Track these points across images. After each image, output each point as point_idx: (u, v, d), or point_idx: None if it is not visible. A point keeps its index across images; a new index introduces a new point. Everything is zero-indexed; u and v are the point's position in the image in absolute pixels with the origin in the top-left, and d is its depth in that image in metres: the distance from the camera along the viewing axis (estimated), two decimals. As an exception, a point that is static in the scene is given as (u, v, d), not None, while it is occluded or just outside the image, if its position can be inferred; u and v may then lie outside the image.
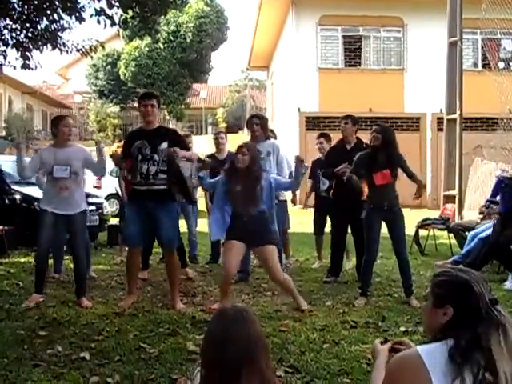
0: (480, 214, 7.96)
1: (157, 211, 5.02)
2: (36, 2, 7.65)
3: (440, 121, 14.64)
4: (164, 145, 4.98)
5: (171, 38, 28.69)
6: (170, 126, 30.68)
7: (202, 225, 8.08)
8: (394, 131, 5.66)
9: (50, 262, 5.88)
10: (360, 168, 5.40)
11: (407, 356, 1.72)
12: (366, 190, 6.01)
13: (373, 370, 1.99)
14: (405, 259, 5.47)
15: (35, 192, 8.62)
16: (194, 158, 5.25)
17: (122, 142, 5.66)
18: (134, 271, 5.33)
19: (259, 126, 6.09)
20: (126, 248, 8.01)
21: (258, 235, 4.78)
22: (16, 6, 7.86)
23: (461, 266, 1.85)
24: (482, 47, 17.29)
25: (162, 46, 28.82)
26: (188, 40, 28.46)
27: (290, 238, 7.59)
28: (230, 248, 4.85)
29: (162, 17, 8.22)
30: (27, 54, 8.10)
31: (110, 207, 11.64)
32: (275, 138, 6.95)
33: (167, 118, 31.03)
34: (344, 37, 17.95)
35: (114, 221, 9.93)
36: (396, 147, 5.40)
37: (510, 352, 1.63)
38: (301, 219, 9.88)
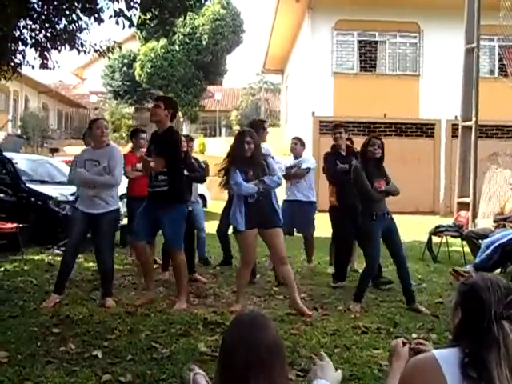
0: (494, 222, 7.91)
1: (159, 211, 5.11)
2: (55, 3, 7.73)
3: (455, 127, 14.55)
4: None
5: (187, 40, 28.80)
6: (184, 127, 30.82)
7: (213, 227, 8.10)
8: None
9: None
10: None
11: (424, 359, 1.70)
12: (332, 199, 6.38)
13: (389, 374, 1.97)
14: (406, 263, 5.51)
15: (49, 190, 8.73)
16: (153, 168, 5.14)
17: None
18: (148, 267, 5.38)
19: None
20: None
21: (267, 218, 4.99)
22: (36, 6, 7.96)
23: (488, 274, 1.82)
24: (499, 54, 17.17)
25: (177, 48, 28.93)
26: (204, 42, 28.56)
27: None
28: (249, 239, 5.02)
29: (180, 19, 8.26)
30: (45, 53, 8.19)
31: (123, 207, 11.70)
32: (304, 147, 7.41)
33: (181, 119, 31.15)
34: (360, 41, 17.92)
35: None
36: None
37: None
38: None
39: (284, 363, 1.71)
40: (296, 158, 7.29)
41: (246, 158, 4.93)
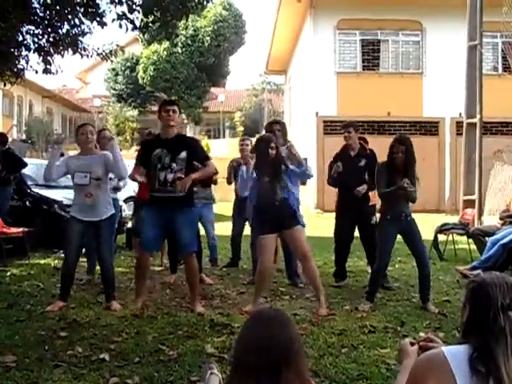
0: (500, 219, 7.88)
1: (175, 216, 5.04)
2: (58, 8, 7.75)
3: (459, 125, 14.51)
4: (183, 154, 5.02)
5: (189, 42, 28.87)
6: (188, 129, 30.85)
7: (221, 228, 8.11)
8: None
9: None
10: (383, 179, 5.36)
11: (432, 356, 1.70)
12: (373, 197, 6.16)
13: (399, 373, 1.95)
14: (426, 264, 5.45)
15: (55, 194, 8.75)
16: (208, 173, 5.27)
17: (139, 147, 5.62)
18: (144, 276, 5.33)
19: (280, 132, 6.14)
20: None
21: (286, 219, 5.02)
22: (38, 11, 7.98)
23: (496, 272, 1.82)
24: (503, 50, 17.12)
25: (180, 50, 29.01)
26: (206, 44, 28.63)
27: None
28: (266, 244, 5.03)
29: (182, 21, 8.26)
30: (49, 58, 8.20)
31: (129, 210, 11.71)
32: None
33: (185, 121, 31.19)
34: (362, 40, 17.90)
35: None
36: (414, 158, 5.30)
37: None
38: (316, 223, 9.86)
39: (304, 356, 1.69)
40: None
41: (268, 160, 4.99)
